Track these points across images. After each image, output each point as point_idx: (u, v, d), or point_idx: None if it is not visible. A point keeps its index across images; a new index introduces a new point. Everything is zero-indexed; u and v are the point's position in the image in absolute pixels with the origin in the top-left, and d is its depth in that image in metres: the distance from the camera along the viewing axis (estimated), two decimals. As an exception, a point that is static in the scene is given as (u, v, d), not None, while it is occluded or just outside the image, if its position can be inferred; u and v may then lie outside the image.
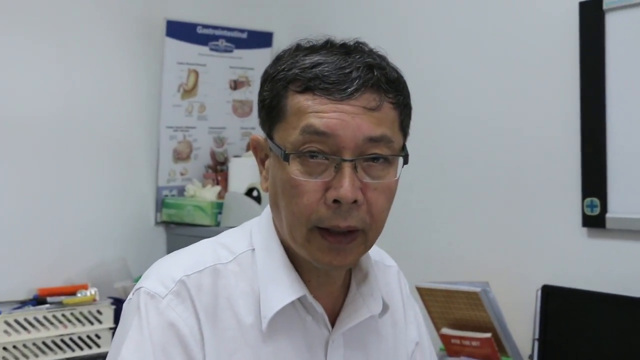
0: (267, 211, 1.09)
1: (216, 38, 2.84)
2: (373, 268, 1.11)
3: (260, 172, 1.07)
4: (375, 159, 0.98)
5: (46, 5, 2.50)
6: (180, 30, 2.73)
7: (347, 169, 0.95)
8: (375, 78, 0.97)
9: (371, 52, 1.02)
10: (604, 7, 2.00)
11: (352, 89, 0.95)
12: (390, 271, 1.22)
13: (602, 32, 2.01)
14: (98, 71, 2.62)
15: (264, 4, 3.02)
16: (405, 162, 1.02)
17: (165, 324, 0.98)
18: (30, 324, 2.25)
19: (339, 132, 0.95)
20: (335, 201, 0.95)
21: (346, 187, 0.94)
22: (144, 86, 2.73)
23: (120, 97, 2.68)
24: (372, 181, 0.97)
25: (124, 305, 1.04)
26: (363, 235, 0.99)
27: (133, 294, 1.03)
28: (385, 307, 1.10)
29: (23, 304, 2.36)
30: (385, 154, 0.98)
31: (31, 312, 2.27)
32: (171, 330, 0.97)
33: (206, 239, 1.10)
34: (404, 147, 1.03)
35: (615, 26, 1.99)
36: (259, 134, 1.07)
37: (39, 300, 2.35)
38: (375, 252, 1.19)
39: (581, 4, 2.05)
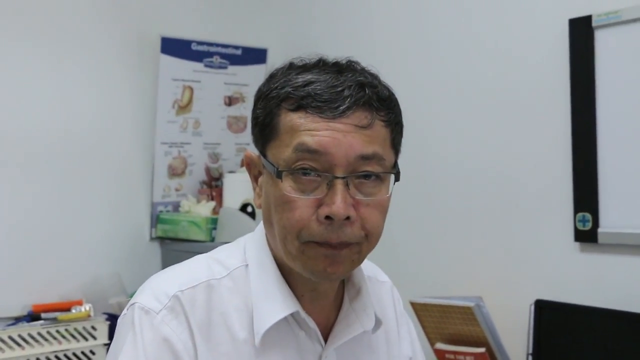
0: (260, 227, 1.10)
1: (211, 54, 2.86)
2: (366, 283, 1.12)
3: (254, 189, 1.08)
4: (367, 176, 0.99)
5: (42, 22, 2.52)
6: (175, 47, 2.75)
7: (339, 186, 0.96)
8: (367, 96, 0.98)
9: (363, 71, 1.03)
10: (594, 24, 2.03)
11: (344, 107, 0.97)
12: (383, 287, 1.23)
13: (591, 48, 2.03)
14: (93, 87, 2.63)
15: (258, 21, 3.05)
16: (397, 179, 1.03)
17: (159, 339, 0.98)
18: (24, 340, 2.25)
19: (331, 150, 0.96)
20: (328, 217, 0.96)
21: (338, 203, 0.96)
22: (138, 102, 2.74)
23: (115, 113, 2.69)
24: (364, 198, 0.99)
25: (118, 320, 1.05)
26: (357, 246, 1.00)
27: (127, 309, 1.03)
28: (378, 323, 1.11)
29: (17, 320, 2.35)
30: (376, 171, 0.99)
31: (25, 329, 2.26)
32: (165, 346, 0.98)
33: (200, 255, 1.11)
34: (395, 164, 1.04)
35: (605, 43, 2.01)
36: (253, 150, 1.08)
37: (33, 316, 2.34)
38: (369, 268, 1.21)
39: (571, 21, 2.08)
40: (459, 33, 2.40)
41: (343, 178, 0.97)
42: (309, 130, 0.97)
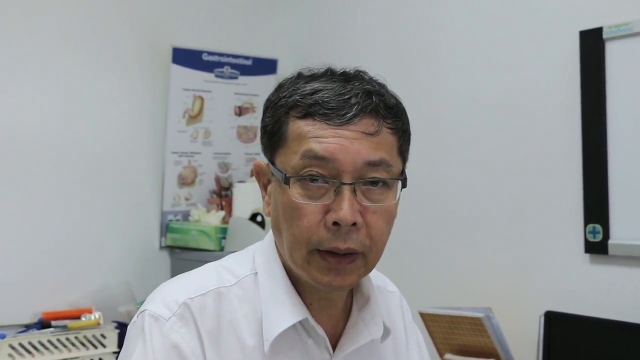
0: (269, 235, 1.11)
1: (221, 65, 2.87)
2: (375, 293, 1.12)
3: (263, 197, 1.09)
4: (374, 182, 0.99)
5: (53, 31, 2.54)
6: (186, 57, 2.77)
7: (346, 192, 0.97)
8: (374, 104, 0.99)
9: (371, 80, 1.04)
10: (604, 36, 2.03)
11: (351, 114, 0.97)
12: (392, 297, 1.23)
13: (602, 60, 2.03)
14: (105, 97, 2.65)
15: (269, 31, 3.06)
16: (404, 185, 1.04)
17: (168, 346, 0.99)
18: (34, 347, 2.26)
19: (338, 157, 0.97)
20: (335, 224, 0.97)
21: (345, 209, 0.96)
22: (149, 112, 2.76)
23: (127, 123, 2.71)
24: (371, 204, 0.99)
25: (129, 327, 1.06)
26: (363, 257, 1.00)
27: (137, 316, 1.04)
28: (387, 332, 1.11)
29: (27, 327, 2.36)
30: (383, 177, 1.00)
31: (35, 336, 2.28)
32: (174, 352, 0.98)
33: (210, 263, 1.12)
34: (403, 172, 1.05)
35: (615, 55, 2.01)
36: (263, 160, 1.09)
37: (43, 324, 2.36)
38: (378, 278, 1.21)
39: (582, 32, 2.08)
40: (469, 45, 2.40)
41: (350, 184, 0.97)
42: (317, 137, 0.98)
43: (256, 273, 1.07)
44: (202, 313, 1.01)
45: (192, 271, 1.10)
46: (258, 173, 1.09)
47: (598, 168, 2.05)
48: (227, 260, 1.12)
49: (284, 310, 1.03)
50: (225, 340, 1.01)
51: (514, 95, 2.27)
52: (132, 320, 1.05)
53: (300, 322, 1.03)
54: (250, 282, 1.06)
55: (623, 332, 1.90)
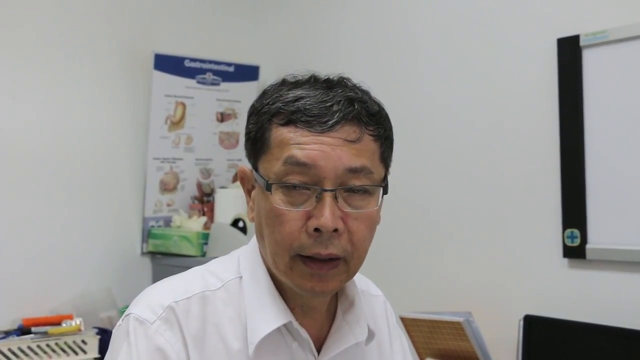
0: (254, 240, 1.11)
1: (203, 71, 2.88)
2: (359, 296, 1.13)
3: (247, 203, 1.10)
4: (355, 189, 1.00)
5: (35, 36, 2.54)
6: (168, 64, 2.78)
7: (327, 198, 0.98)
8: (356, 111, 1.00)
9: (354, 87, 1.05)
10: (581, 43, 2.06)
11: (332, 121, 0.99)
12: (376, 300, 1.24)
13: (579, 67, 2.07)
14: (86, 103, 2.65)
15: (251, 38, 3.08)
16: (385, 192, 1.04)
17: (153, 349, 0.99)
18: (14, 354, 2.25)
19: (319, 163, 0.98)
20: (317, 230, 0.98)
21: (326, 216, 0.97)
22: (131, 118, 2.76)
23: (108, 129, 2.71)
24: (353, 211, 1.00)
25: (114, 331, 1.06)
26: (345, 263, 1.01)
27: (122, 319, 1.04)
28: (371, 335, 1.12)
29: (7, 334, 2.35)
30: (365, 184, 1.01)
31: (15, 342, 2.27)
32: (159, 355, 0.99)
33: (196, 267, 1.12)
34: (385, 178, 1.06)
35: (592, 62, 2.05)
36: (247, 165, 1.10)
37: (23, 330, 2.34)
38: (362, 282, 1.22)
39: (559, 40, 2.11)
40: (448, 53, 2.43)
41: (331, 191, 0.98)
42: (299, 143, 0.99)
43: (241, 277, 1.08)
44: (187, 317, 1.02)
45: (177, 275, 1.11)
46: (242, 179, 1.10)
47: (576, 174, 2.08)
48: (213, 264, 1.12)
49: (268, 313, 1.04)
50: (210, 343, 1.02)
51: (492, 102, 2.30)
52: (117, 324, 1.06)
53: (284, 325, 1.04)
54: (235, 286, 1.07)
55: (601, 335, 1.92)
